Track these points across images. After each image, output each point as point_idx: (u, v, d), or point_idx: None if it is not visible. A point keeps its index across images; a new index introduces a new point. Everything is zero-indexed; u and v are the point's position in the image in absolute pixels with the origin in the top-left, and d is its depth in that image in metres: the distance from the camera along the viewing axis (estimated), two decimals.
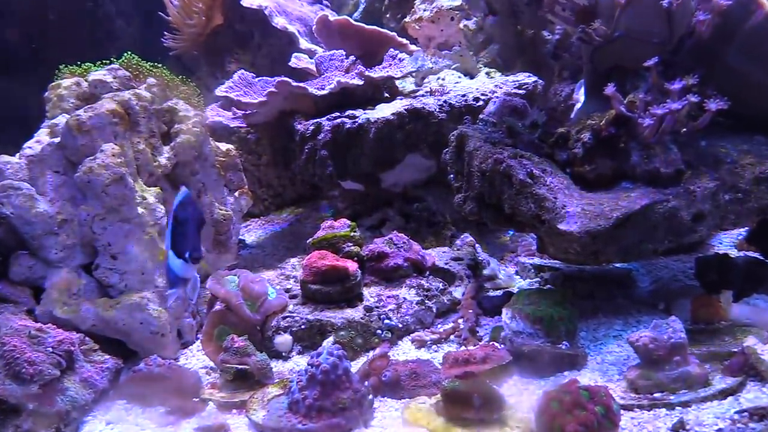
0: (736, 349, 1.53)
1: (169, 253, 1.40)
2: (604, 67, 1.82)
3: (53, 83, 2.14)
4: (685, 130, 1.69)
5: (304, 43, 3.00)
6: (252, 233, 3.03)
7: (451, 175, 2.00)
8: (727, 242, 2.35)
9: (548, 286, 2.12)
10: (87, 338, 1.78)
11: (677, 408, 1.42)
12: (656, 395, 1.46)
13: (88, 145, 1.89)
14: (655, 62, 1.65)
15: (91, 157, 1.86)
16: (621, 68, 1.79)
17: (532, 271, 2.25)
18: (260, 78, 2.79)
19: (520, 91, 2.50)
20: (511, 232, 2.66)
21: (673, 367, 1.48)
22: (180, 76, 2.52)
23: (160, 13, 3.24)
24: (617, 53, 1.77)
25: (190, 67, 3.42)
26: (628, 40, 1.73)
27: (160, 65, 2.43)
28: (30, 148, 1.98)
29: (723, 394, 1.43)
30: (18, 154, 1.98)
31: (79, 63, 2.30)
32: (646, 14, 1.70)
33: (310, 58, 2.85)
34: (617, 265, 2.24)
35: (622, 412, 1.40)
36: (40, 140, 2.00)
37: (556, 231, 1.64)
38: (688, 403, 1.42)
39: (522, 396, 1.52)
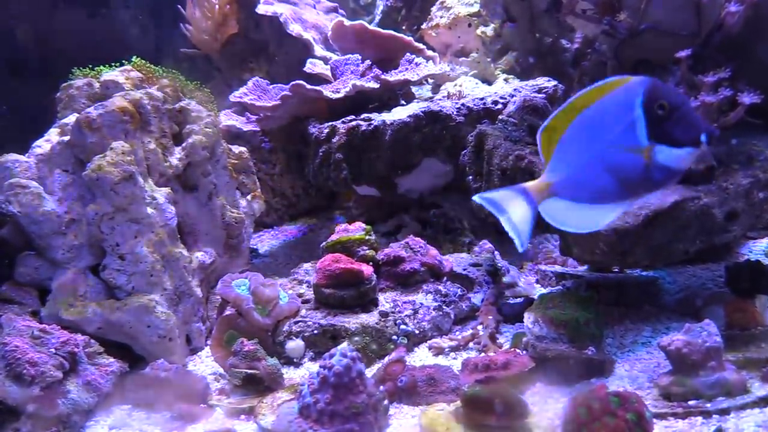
0: None
1: (654, 149, 1.11)
2: (630, 62, 1.75)
3: (65, 84, 2.11)
4: (716, 125, 1.62)
5: (319, 51, 2.97)
6: (265, 243, 2.97)
7: (470, 177, 1.93)
8: (757, 251, 2.26)
9: None
10: (92, 340, 1.71)
11: (714, 416, 1.33)
12: (691, 403, 1.37)
13: (98, 143, 1.85)
14: (687, 54, 1.58)
15: (101, 155, 1.82)
16: (647, 63, 1.73)
17: (553, 279, 2.17)
18: (275, 85, 2.77)
19: (540, 95, 2.44)
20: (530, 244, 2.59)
21: (708, 373, 1.39)
22: (194, 82, 2.48)
23: (179, 6, 3.21)
24: (643, 47, 1.71)
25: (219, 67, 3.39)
26: (654, 32, 1.67)
27: (173, 70, 2.39)
28: (39, 147, 1.94)
29: (764, 402, 1.33)
30: (27, 153, 1.95)
31: (91, 68, 2.27)
32: (675, 5, 1.64)
33: (326, 64, 2.82)
34: (643, 273, 2.15)
35: (654, 420, 1.31)
36: (50, 139, 1.96)
37: None
38: (727, 411, 1.33)
39: (547, 403, 1.44)
